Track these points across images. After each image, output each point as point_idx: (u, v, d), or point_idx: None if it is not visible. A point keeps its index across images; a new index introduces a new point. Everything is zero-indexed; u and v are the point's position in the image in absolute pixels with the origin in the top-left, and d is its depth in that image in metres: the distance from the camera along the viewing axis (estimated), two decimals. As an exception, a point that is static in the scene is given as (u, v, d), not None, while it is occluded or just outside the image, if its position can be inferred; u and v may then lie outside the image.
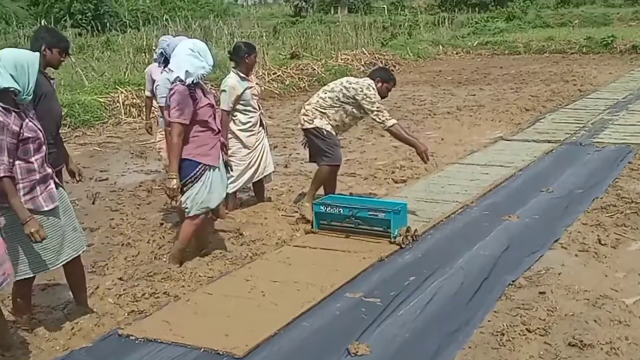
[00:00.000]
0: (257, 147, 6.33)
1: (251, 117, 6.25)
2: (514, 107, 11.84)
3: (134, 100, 11.82)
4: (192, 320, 4.03)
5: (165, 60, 5.45)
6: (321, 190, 6.18)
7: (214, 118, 4.88)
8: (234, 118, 6.23)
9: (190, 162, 4.76)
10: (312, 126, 5.94)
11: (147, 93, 6.45)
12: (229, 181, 6.30)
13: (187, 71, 4.68)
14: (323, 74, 15.94)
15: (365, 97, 5.81)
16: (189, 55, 4.73)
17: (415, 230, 5.38)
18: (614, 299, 4.19)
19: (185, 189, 4.79)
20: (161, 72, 5.48)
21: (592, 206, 6.08)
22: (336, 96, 5.90)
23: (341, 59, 18.06)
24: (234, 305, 4.22)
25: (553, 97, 12.79)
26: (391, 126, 5.85)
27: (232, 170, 5.38)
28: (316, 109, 5.95)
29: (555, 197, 6.47)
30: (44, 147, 3.74)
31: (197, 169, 4.77)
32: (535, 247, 5.10)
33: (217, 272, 4.85)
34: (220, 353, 3.60)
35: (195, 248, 5.21)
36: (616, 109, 11.27)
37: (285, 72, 15.57)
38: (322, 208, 5.53)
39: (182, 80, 4.68)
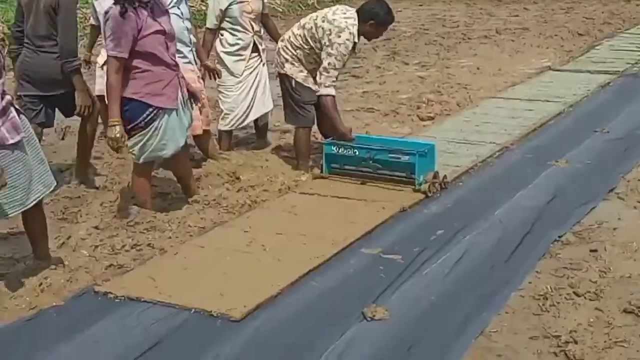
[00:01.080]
0: (249, 76, 6.23)
1: (240, 38, 6.18)
2: (564, 30, 11.71)
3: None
4: (181, 277, 4.06)
5: None
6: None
7: (167, 48, 4.67)
8: (220, 37, 6.19)
9: (138, 103, 4.57)
10: (282, 71, 5.73)
11: (92, 21, 6.43)
12: (220, 117, 6.31)
13: None
14: (336, -14, 15.71)
15: (329, 44, 5.42)
16: None
17: (445, 176, 5.38)
18: (678, 259, 4.21)
19: (133, 133, 4.65)
20: None
21: (656, 150, 6.08)
22: (305, 35, 5.58)
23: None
24: (230, 261, 4.25)
25: (611, 20, 12.64)
26: (325, 95, 5.51)
27: (197, 104, 5.20)
28: (287, 48, 5.68)
29: (611, 138, 6.46)
30: (4, 73, 3.72)
31: (148, 113, 4.60)
32: (587, 197, 5.11)
33: (209, 222, 4.87)
34: (215, 315, 3.62)
35: (183, 194, 5.24)
36: (688, 35, 11.15)
37: (289, -16, 15.37)
38: (334, 149, 5.52)
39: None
